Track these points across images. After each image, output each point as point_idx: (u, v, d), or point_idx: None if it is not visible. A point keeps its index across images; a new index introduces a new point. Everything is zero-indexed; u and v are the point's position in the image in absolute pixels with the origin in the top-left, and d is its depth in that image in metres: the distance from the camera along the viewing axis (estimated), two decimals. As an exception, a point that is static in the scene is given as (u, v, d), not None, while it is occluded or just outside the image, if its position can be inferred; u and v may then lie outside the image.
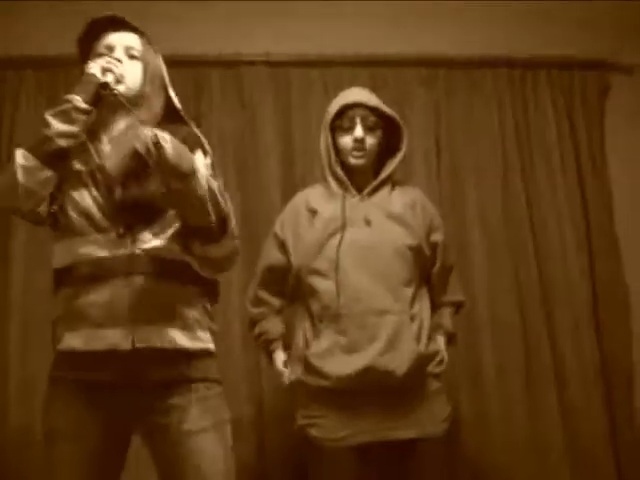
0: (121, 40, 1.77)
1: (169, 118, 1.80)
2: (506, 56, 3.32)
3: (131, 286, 1.59)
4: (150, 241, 1.63)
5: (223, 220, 1.58)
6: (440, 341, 2.33)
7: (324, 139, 2.38)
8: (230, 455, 1.67)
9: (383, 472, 2.36)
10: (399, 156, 2.39)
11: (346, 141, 2.32)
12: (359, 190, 2.35)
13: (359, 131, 2.30)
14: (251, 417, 2.89)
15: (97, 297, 1.58)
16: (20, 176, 1.58)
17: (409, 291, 2.25)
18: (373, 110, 2.33)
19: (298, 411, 2.29)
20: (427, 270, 2.38)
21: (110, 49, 1.75)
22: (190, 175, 1.46)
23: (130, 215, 1.62)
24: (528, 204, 3.20)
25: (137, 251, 1.61)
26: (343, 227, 2.26)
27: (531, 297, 3.09)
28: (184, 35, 3.20)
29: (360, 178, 2.37)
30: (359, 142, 2.30)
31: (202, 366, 1.69)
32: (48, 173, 1.61)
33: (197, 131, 1.80)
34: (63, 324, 1.63)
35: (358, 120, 2.31)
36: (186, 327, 1.65)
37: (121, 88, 1.70)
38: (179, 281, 1.66)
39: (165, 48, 3.06)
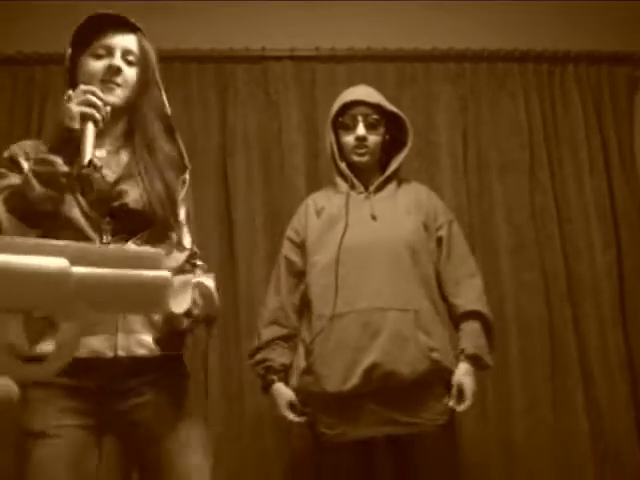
0: (120, 42, 1.72)
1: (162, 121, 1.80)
2: (533, 51, 3.30)
3: None
4: None
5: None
6: (461, 369, 2.20)
7: (328, 138, 2.40)
8: (207, 448, 1.70)
9: (386, 468, 2.35)
10: (404, 152, 2.39)
11: (348, 139, 2.34)
12: (366, 187, 2.36)
13: (361, 129, 2.31)
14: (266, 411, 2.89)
15: None
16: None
17: (416, 287, 2.21)
18: (375, 107, 2.34)
19: (305, 409, 2.28)
20: (437, 268, 2.33)
21: (109, 51, 1.71)
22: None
23: (115, 225, 1.64)
24: (555, 199, 3.17)
25: None
26: (346, 222, 2.26)
27: (557, 292, 3.07)
28: (210, 31, 3.23)
29: (366, 176, 2.38)
30: (361, 140, 2.32)
31: (175, 368, 1.75)
32: (35, 233, 1.53)
33: (180, 144, 1.82)
34: None
35: (360, 118, 2.32)
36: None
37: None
38: None
39: (191, 44, 3.16)
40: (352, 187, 2.35)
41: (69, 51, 1.74)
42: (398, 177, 2.42)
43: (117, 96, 1.70)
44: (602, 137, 3.27)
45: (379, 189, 2.36)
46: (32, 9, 3.21)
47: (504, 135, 3.23)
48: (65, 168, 1.52)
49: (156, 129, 1.76)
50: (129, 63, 1.73)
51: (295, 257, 2.38)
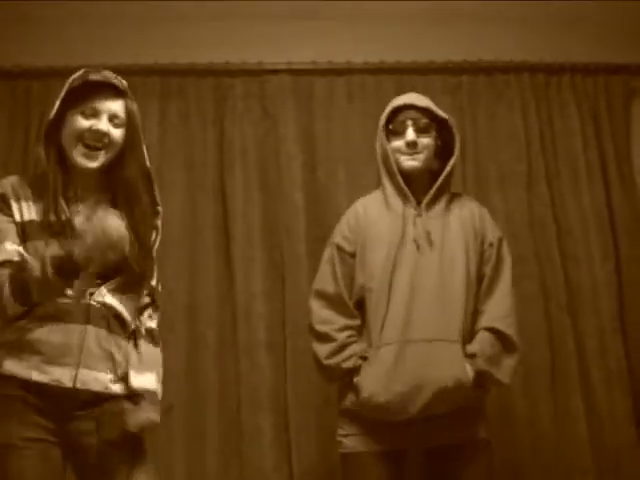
0: (107, 108, 1.90)
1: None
2: (530, 62, 3.30)
3: (83, 333, 1.79)
4: (105, 296, 1.85)
5: None
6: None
7: (379, 145, 2.35)
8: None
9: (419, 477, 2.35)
10: (452, 161, 2.33)
11: (398, 144, 2.30)
12: (417, 199, 2.31)
13: (410, 134, 2.29)
14: (275, 428, 2.87)
15: (51, 336, 1.77)
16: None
17: (462, 319, 2.19)
18: (424, 111, 2.32)
19: (338, 426, 2.29)
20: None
21: (96, 113, 1.88)
22: None
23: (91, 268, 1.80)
24: (554, 210, 3.16)
25: (93, 303, 1.83)
26: (400, 248, 2.22)
27: (557, 303, 3.05)
28: (207, 44, 3.24)
29: (417, 185, 2.32)
30: (410, 145, 2.28)
31: (121, 402, 1.87)
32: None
33: (157, 192, 2.04)
34: (8, 350, 1.78)
35: (409, 123, 2.30)
36: (118, 376, 1.86)
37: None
38: (121, 335, 1.89)
39: (188, 57, 3.16)
40: (405, 200, 2.30)
41: (57, 104, 1.92)
42: (450, 190, 2.37)
43: (99, 161, 1.90)
44: (599, 148, 3.27)
45: (431, 205, 2.30)
46: (29, 22, 3.22)
47: (502, 147, 3.22)
48: (38, 273, 1.68)
49: (139, 183, 1.96)
50: (115, 125, 1.91)
51: (347, 269, 2.33)
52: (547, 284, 3.07)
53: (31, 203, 1.85)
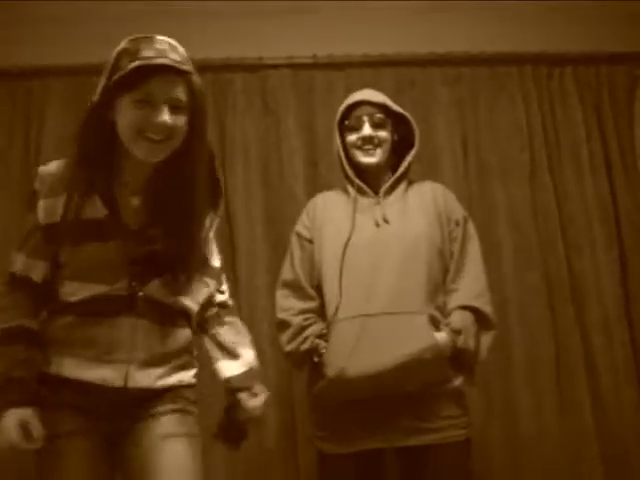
0: (165, 92, 1.60)
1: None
2: (531, 53, 3.29)
3: (133, 329, 1.68)
4: (157, 290, 1.71)
5: None
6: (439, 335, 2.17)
7: (335, 142, 2.40)
8: (199, 461, 1.72)
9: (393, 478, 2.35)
10: (412, 153, 2.38)
11: (354, 139, 2.34)
12: (375, 192, 2.35)
13: (366, 129, 2.32)
14: (281, 422, 2.88)
15: (101, 333, 1.67)
16: None
17: (426, 292, 2.21)
18: (380, 107, 2.35)
19: (312, 424, 2.32)
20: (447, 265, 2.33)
21: (153, 101, 1.60)
22: None
23: (142, 269, 1.70)
24: (557, 201, 3.15)
25: (144, 297, 1.70)
26: (351, 228, 2.25)
27: (561, 293, 3.05)
28: (207, 39, 3.22)
29: (376, 179, 2.37)
30: (367, 140, 2.31)
31: (182, 393, 1.80)
32: None
33: (220, 179, 1.86)
34: (57, 349, 1.69)
35: (365, 119, 2.33)
36: (174, 369, 1.77)
37: None
38: (176, 327, 1.78)
39: (187, 53, 3.14)
40: (361, 192, 2.33)
41: (101, 86, 1.66)
42: (408, 178, 2.40)
43: (164, 153, 1.66)
44: (602, 138, 3.25)
45: (389, 192, 2.34)
46: (29, 21, 3.22)
47: (504, 138, 3.21)
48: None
49: (200, 174, 1.71)
50: (176, 112, 1.62)
51: (306, 255, 2.38)
52: (551, 274, 3.07)
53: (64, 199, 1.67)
